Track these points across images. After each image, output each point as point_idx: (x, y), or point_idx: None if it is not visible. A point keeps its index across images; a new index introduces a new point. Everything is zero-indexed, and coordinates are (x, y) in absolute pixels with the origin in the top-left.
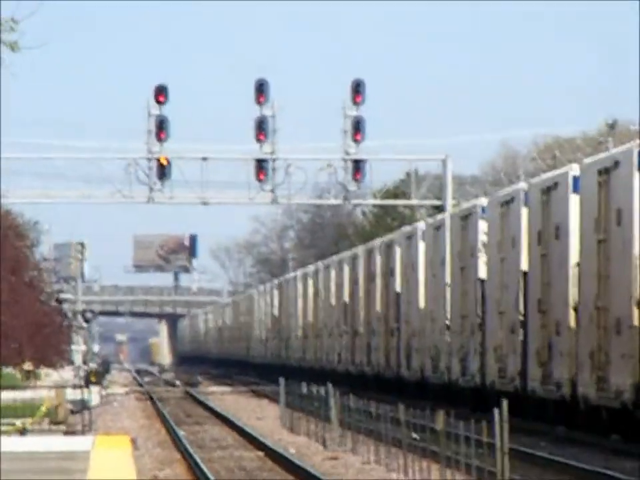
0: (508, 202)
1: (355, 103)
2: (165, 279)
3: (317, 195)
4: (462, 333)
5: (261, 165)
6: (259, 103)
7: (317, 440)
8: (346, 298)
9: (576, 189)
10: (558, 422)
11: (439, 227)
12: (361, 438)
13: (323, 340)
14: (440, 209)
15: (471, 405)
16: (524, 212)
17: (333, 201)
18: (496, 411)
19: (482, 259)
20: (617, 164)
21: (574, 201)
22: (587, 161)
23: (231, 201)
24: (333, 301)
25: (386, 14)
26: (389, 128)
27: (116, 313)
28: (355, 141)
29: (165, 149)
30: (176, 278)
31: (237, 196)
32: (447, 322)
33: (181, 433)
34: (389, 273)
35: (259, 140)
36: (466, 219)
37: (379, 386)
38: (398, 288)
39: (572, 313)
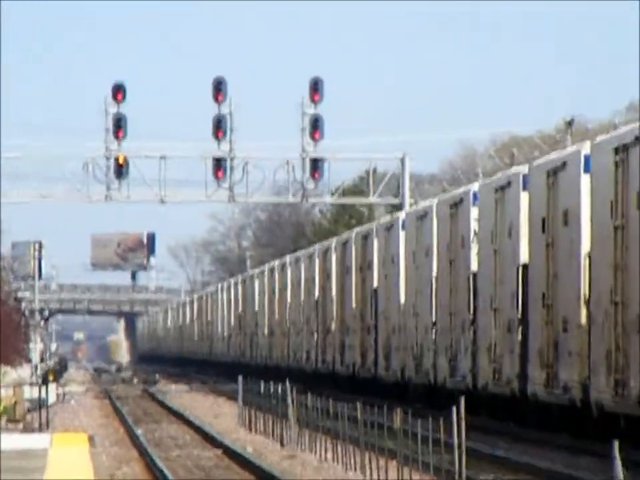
0: (504, 187)
1: (313, 101)
2: (122, 278)
3: (274, 193)
4: (451, 331)
5: (218, 163)
6: (217, 101)
7: (275, 438)
8: (317, 293)
9: (587, 169)
10: (562, 429)
11: (422, 216)
12: (318, 436)
13: (291, 338)
14: (398, 207)
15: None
16: (524, 197)
17: (291, 200)
18: (453, 409)
19: (474, 250)
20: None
21: (585, 181)
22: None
23: (188, 199)
24: (303, 296)
25: (344, 13)
26: (348, 126)
27: (74, 311)
28: (314, 139)
29: (123, 147)
30: (134, 276)
31: (194, 194)
32: (433, 319)
33: (139, 431)
34: (365, 266)
35: (216, 138)
36: (455, 207)
37: (353, 386)
38: (375, 282)
39: (583, 309)
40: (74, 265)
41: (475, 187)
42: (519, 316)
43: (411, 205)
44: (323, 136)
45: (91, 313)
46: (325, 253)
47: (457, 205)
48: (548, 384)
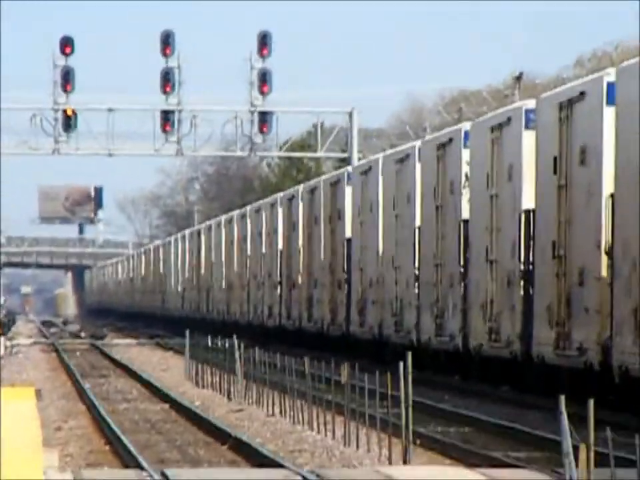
0: (502, 124)
1: (262, 55)
2: (70, 231)
3: (222, 147)
4: (436, 285)
5: (166, 117)
6: (164, 54)
7: (222, 393)
8: (280, 245)
9: (611, 101)
10: (577, 394)
11: (403, 159)
12: (266, 391)
13: (251, 292)
14: (346, 161)
15: (447, 369)
16: (526, 136)
17: (238, 153)
18: (400, 364)
19: (465, 197)
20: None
21: (609, 114)
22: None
23: (136, 152)
24: (264, 248)
25: None
26: (296, 80)
27: (22, 265)
28: (262, 93)
29: (71, 100)
30: (81, 230)
31: (142, 147)
32: (416, 272)
33: (86, 384)
34: (336, 215)
35: (164, 92)
36: (443, 148)
37: (322, 344)
38: (348, 232)
39: (604, 258)
40: (21, 218)
41: (466, 125)
42: (522, 268)
43: (359, 159)
44: (271, 90)
45: (39, 266)
46: (290, 201)
47: (444, 146)
48: (558, 345)
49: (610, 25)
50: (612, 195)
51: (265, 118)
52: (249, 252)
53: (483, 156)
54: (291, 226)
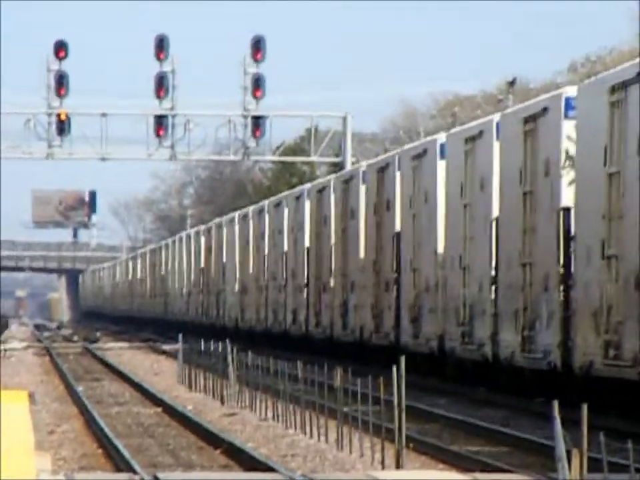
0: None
1: (255, 59)
2: (64, 235)
3: (216, 151)
4: (524, 288)
5: (160, 121)
6: (158, 59)
7: (215, 397)
8: (307, 242)
9: (568, 113)
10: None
11: (476, 137)
12: (259, 395)
13: (270, 296)
14: (339, 165)
15: (535, 392)
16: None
17: (232, 158)
18: (394, 368)
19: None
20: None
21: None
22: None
23: (130, 156)
24: (286, 246)
25: None
26: (290, 85)
27: (15, 269)
28: (255, 97)
29: (65, 104)
30: (75, 234)
31: (136, 152)
32: (492, 272)
33: (79, 388)
34: (384, 205)
35: (158, 96)
36: (534, 121)
37: (360, 355)
38: (398, 226)
39: None
40: (14, 223)
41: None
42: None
43: (352, 164)
44: (264, 94)
45: (32, 270)
46: (321, 193)
47: (533, 119)
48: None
49: (603, 30)
50: None
51: (258, 122)
52: (266, 251)
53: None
54: (320, 220)
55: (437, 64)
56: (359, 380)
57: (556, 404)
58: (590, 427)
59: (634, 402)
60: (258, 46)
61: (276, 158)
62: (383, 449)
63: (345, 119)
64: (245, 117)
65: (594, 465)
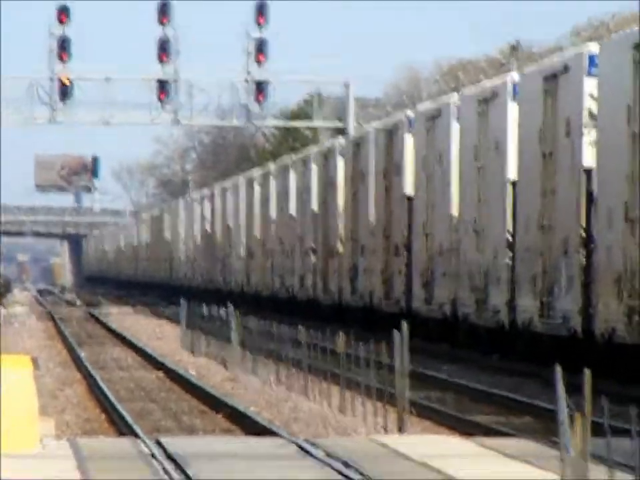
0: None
1: (259, 24)
2: (66, 200)
3: (219, 116)
4: (543, 253)
5: (163, 86)
6: (161, 23)
7: (218, 361)
8: (314, 206)
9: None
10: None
11: (488, 99)
12: (262, 360)
13: (276, 261)
14: (342, 131)
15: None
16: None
17: (235, 123)
18: (396, 333)
19: (586, 139)
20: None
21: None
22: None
23: (132, 121)
24: (294, 210)
25: None
26: (293, 50)
27: (18, 233)
28: (258, 62)
29: (67, 69)
30: (77, 199)
31: (139, 117)
32: (508, 237)
33: (82, 353)
34: (393, 169)
35: (161, 61)
36: (555, 79)
37: (370, 321)
38: (409, 189)
39: None
40: (17, 187)
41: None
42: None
43: (355, 129)
44: (267, 59)
45: (35, 235)
46: (326, 157)
47: (554, 77)
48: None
49: None
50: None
51: (261, 87)
52: (273, 215)
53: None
54: (328, 184)
55: (440, 29)
56: (360, 345)
57: (559, 368)
58: (595, 392)
59: None
60: (261, 11)
61: (279, 123)
62: (385, 413)
63: (347, 84)
64: (248, 82)
65: (597, 429)
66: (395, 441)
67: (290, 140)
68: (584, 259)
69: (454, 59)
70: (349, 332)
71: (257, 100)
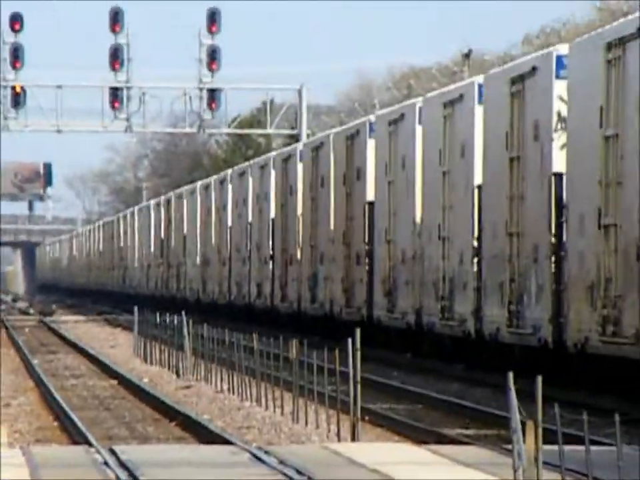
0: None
1: (211, 32)
2: (19, 208)
3: (171, 123)
4: (511, 260)
5: (115, 94)
6: (113, 31)
7: (171, 369)
8: (272, 213)
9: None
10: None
11: (454, 101)
12: (214, 367)
13: (234, 268)
14: (295, 137)
15: (524, 369)
16: None
17: (187, 130)
18: (349, 340)
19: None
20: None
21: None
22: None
23: (85, 129)
24: (251, 217)
25: None
26: (245, 57)
27: None
28: (211, 70)
29: (20, 77)
30: (30, 207)
31: (91, 124)
32: (474, 243)
33: (35, 361)
34: (353, 174)
35: (113, 68)
36: (521, 81)
37: (329, 330)
38: (370, 195)
39: None
40: None
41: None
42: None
43: (308, 136)
44: (220, 67)
45: None
46: (286, 162)
47: (521, 79)
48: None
49: (557, 2)
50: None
51: (213, 95)
52: (229, 222)
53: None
54: (287, 190)
55: (392, 37)
56: (315, 352)
57: (510, 375)
58: (545, 399)
59: (633, 381)
60: (213, 18)
61: (232, 130)
62: (338, 421)
63: (300, 91)
64: (201, 89)
65: (549, 437)
66: (348, 448)
67: (243, 147)
68: (554, 267)
69: (406, 66)
70: (308, 340)
71: (210, 107)
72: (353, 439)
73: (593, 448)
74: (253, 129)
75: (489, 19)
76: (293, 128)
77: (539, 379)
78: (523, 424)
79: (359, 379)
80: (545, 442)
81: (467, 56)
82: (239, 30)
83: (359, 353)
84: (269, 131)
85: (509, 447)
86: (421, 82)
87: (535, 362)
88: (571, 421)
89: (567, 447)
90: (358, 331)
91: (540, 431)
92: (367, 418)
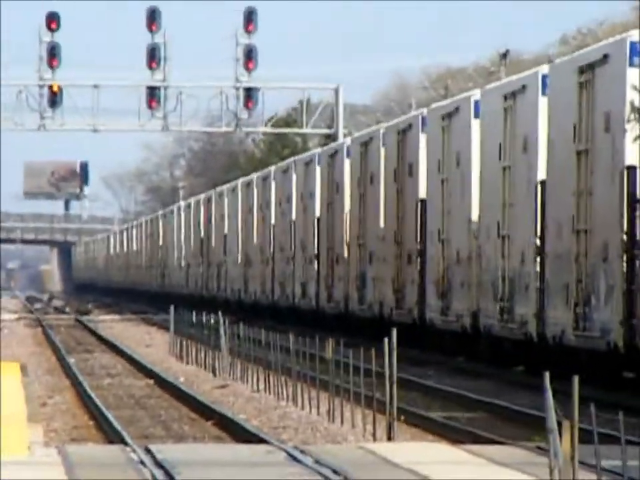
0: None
1: (248, 31)
2: (55, 207)
3: (208, 123)
4: (577, 259)
5: (152, 93)
6: (150, 30)
7: (207, 369)
8: (317, 211)
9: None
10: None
11: (516, 92)
12: (251, 367)
13: (277, 268)
14: (332, 137)
15: (593, 376)
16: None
17: (224, 129)
18: (385, 340)
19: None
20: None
21: None
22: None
23: (122, 128)
24: (294, 214)
25: None
26: (282, 57)
27: (7, 240)
28: (247, 69)
29: (57, 76)
30: (67, 206)
31: (128, 124)
32: (537, 242)
33: (71, 360)
34: (406, 169)
35: (150, 68)
36: (591, 70)
37: (378, 332)
38: (422, 192)
39: None
40: (6, 194)
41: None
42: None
43: (345, 136)
44: (256, 66)
45: (24, 242)
46: (333, 158)
47: (591, 68)
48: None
49: (594, 2)
50: None
51: (250, 94)
52: (272, 220)
53: None
54: (333, 187)
55: (429, 37)
56: (351, 352)
57: (547, 375)
58: (581, 399)
59: None
60: (250, 17)
61: (268, 129)
62: (374, 420)
63: (336, 90)
64: (237, 88)
65: (585, 437)
66: (383, 448)
67: (279, 147)
68: (625, 266)
69: (442, 66)
70: (347, 341)
71: (246, 106)
72: (389, 438)
73: (630, 448)
74: (290, 128)
75: (526, 21)
76: (329, 127)
77: (576, 379)
78: (559, 423)
79: (395, 379)
80: (580, 441)
81: (504, 56)
82: (275, 29)
83: (394, 353)
84: (305, 130)
85: (545, 446)
86: (458, 82)
87: (602, 366)
88: (607, 420)
89: (603, 447)
90: (394, 331)
91: (576, 430)
92: (402, 417)
